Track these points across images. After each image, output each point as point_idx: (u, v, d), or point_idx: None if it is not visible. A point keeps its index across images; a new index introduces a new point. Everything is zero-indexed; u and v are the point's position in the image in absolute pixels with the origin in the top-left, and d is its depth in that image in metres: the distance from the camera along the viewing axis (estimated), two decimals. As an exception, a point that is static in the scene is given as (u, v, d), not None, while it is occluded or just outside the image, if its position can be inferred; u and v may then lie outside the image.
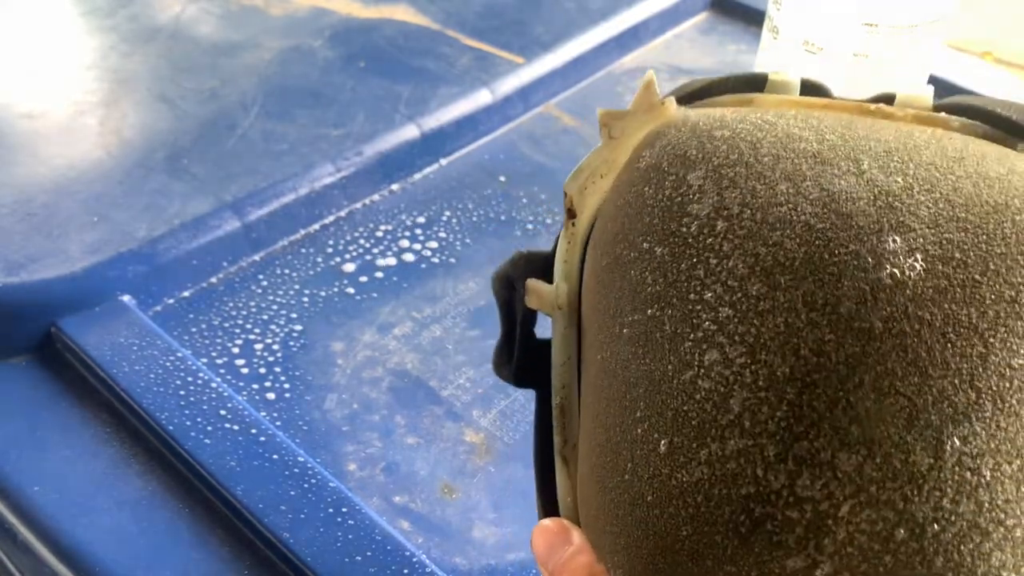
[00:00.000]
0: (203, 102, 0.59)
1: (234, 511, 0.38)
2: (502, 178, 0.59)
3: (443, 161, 0.60)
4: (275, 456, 0.39)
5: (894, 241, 0.21)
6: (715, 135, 0.24)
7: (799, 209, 0.22)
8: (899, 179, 0.22)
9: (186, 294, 0.49)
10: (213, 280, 0.50)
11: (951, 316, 0.20)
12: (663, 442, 0.21)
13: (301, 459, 0.39)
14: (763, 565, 0.20)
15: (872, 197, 0.21)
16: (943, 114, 0.26)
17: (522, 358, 0.28)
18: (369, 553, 0.36)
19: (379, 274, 0.51)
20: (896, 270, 0.20)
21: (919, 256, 0.21)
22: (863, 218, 0.21)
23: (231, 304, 0.49)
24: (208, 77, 0.61)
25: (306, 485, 0.38)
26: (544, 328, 0.29)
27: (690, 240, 0.22)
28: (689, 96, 0.27)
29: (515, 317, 0.28)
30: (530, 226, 0.55)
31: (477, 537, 0.39)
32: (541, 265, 0.28)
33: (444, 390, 0.45)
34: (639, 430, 0.22)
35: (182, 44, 0.65)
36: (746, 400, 0.20)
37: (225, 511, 0.38)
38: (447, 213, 0.55)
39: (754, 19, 0.75)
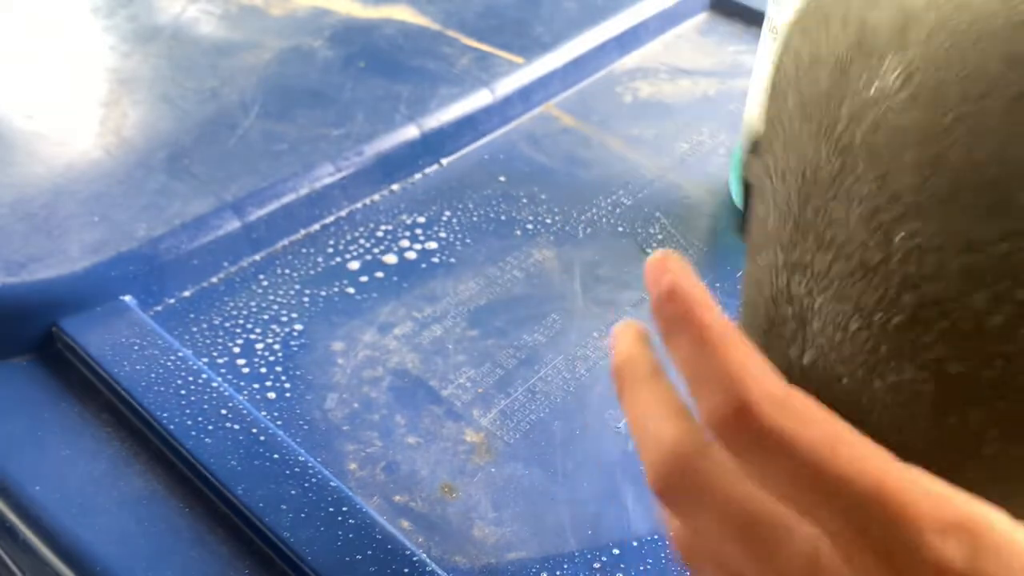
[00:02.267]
0: (203, 102, 0.59)
1: (235, 510, 0.38)
2: (502, 178, 0.59)
3: (443, 161, 0.60)
4: (276, 455, 0.39)
5: None
6: None
7: None
8: None
9: (187, 294, 0.49)
10: (214, 280, 0.50)
11: None
12: None
13: (302, 458, 0.39)
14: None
15: None
16: None
17: None
18: (369, 552, 0.36)
19: (380, 274, 0.51)
20: None
21: None
22: None
23: (232, 304, 0.49)
24: (208, 77, 0.61)
25: (307, 484, 0.38)
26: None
27: None
28: None
29: None
30: (530, 226, 0.55)
31: (477, 536, 0.39)
32: None
33: (444, 390, 0.45)
34: None
35: (182, 44, 0.65)
36: None
37: (226, 510, 0.39)
38: (447, 213, 0.56)
39: (754, 19, 0.75)
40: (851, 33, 0.21)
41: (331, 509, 0.37)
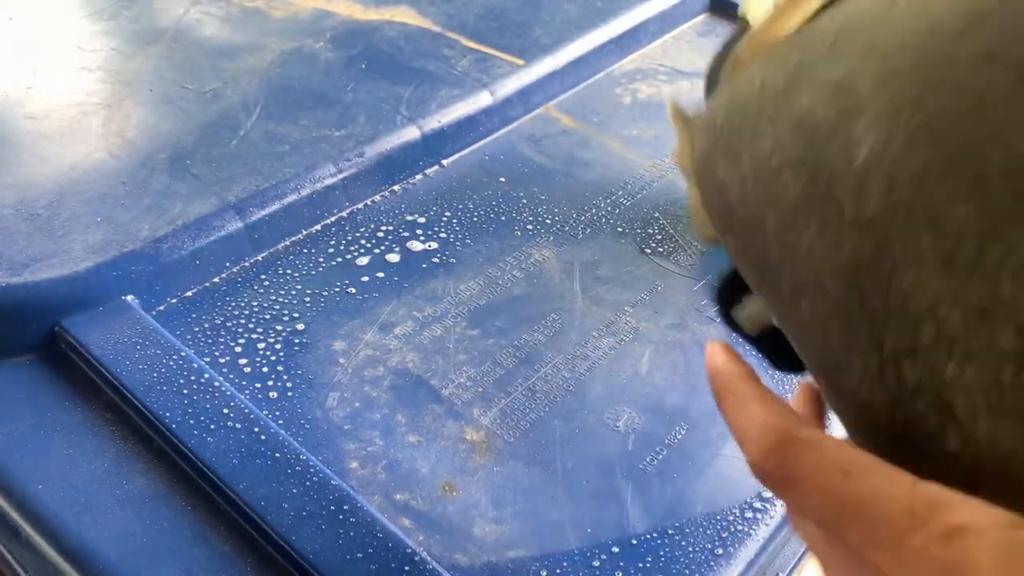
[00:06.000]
0: (206, 103, 0.59)
1: (237, 509, 0.38)
2: (502, 179, 0.59)
3: (444, 162, 0.60)
4: (277, 454, 0.40)
5: None
6: None
7: None
8: None
9: (189, 294, 0.49)
10: (216, 280, 0.50)
11: None
12: None
13: (303, 457, 0.40)
14: None
15: None
16: None
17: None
18: (370, 550, 0.36)
19: (380, 274, 0.51)
20: None
21: None
22: None
23: (233, 304, 0.49)
24: (211, 79, 0.61)
25: (308, 483, 0.39)
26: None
27: None
28: None
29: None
30: (530, 226, 0.55)
31: (477, 534, 0.39)
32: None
33: (445, 389, 0.45)
34: None
35: (185, 46, 0.65)
36: None
37: (228, 509, 0.39)
38: (447, 213, 0.56)
39: (753, 21, 0.75)
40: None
41: (332, 507, 0.38)
